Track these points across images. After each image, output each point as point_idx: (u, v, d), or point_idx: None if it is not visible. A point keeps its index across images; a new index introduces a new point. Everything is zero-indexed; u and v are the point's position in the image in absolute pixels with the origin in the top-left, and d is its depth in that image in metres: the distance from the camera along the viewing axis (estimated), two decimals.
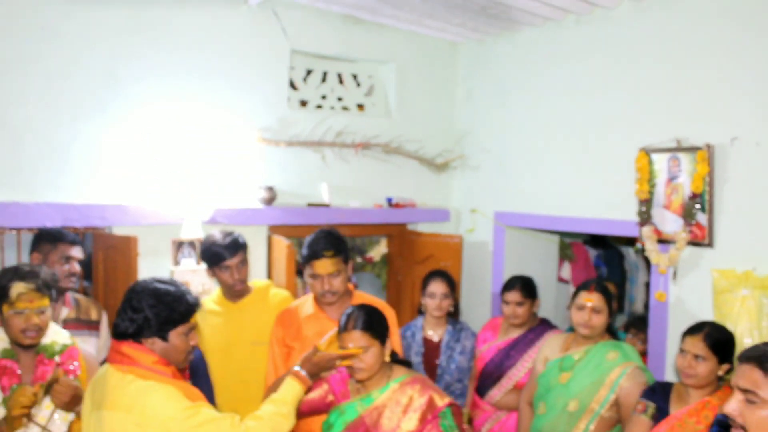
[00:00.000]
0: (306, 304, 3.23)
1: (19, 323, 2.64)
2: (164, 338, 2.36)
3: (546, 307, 4.87)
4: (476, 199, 5.00)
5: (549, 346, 3.42)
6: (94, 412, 2.31)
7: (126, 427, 2.23)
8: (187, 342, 2.42)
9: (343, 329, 2.64)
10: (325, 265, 3.04)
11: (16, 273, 2.67)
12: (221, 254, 3.38)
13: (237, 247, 3.42)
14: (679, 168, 3.56)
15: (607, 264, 5.82)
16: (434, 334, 3.93)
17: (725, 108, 3.45)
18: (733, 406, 1.75)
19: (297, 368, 2.64)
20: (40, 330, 2.69)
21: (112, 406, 2.27)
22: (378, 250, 5.14)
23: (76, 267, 3.28)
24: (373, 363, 2.63)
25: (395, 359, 2.77)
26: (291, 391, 2.57)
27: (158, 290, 2.37)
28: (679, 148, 3.55)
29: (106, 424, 2.26)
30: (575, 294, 3.29)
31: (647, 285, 5.89)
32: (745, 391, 1.72)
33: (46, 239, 3.26)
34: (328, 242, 3.06)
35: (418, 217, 4.96)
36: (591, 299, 3.20)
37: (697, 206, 3.47)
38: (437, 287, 3.87)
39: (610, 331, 3.35)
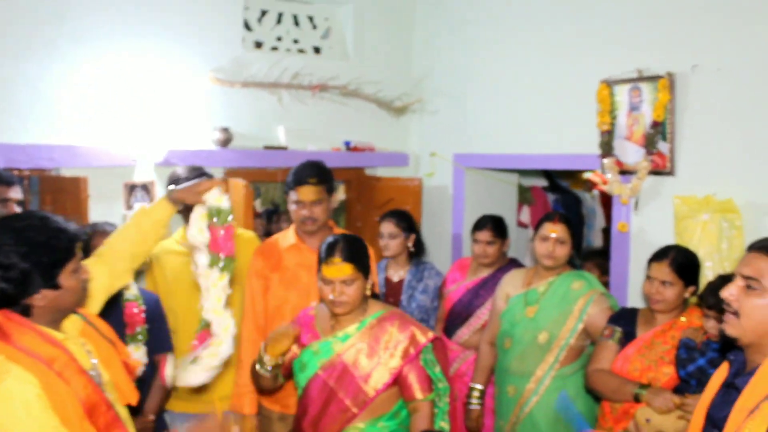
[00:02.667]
0: (287, 235, 3.20)
1: None
2: (55, 286, 1.89)
3: None
4: (435, 142, 4.93)
5: (509, 283, 3.39)
6: None
7: None
8: (80, 277, 1.97)
9: (325, 259, 2.50)
10: (307, 192, 3.05)
11: None
12: None
13: None
14: (640, 98, 3.55)
15: (565, 208, 5.84)
16: (395, 275, 3.91)
17: (686, 36, 3.44)
18: (732, 290, 1.76)
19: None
20: None
21: None
22: (335, 197, 5.04)
23: (15, 209, 3.07)
24: (357, 297, 2.52)
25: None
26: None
27: (22, 232, 1.86)
28: (641, 78, 3.53)
29: None
30: (538, 225, 3.28)
31: (604, 231, 5.95)
32: (747, 278, 1.74)
33: None
34: (313, 170, 3.10)
35: (376, 161, 4.88)
36: (555, 230, 3.19)
37: (659, 135, 3.48)
38: (384, 227, 3.89)
39: (571, 263, 3.36)
